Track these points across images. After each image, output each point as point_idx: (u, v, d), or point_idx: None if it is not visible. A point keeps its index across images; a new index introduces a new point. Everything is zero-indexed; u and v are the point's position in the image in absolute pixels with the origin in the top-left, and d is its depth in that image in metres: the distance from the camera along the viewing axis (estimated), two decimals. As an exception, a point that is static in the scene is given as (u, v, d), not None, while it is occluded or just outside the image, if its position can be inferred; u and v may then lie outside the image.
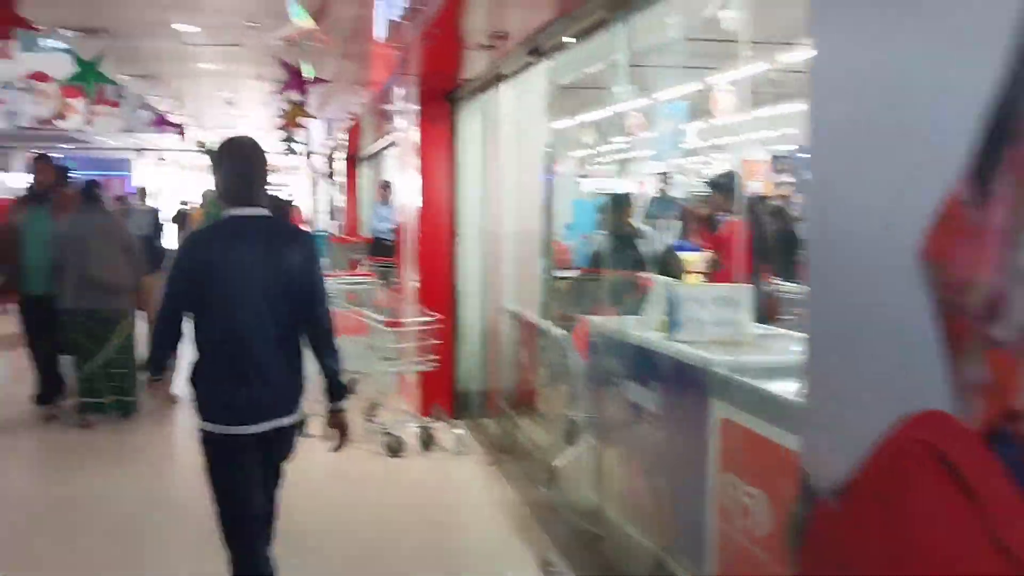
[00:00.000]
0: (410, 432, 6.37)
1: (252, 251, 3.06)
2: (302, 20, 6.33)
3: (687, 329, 3.82)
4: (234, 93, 13.14)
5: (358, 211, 15.80)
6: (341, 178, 16.38)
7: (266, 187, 3.26)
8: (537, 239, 6.56)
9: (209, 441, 3.06)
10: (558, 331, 5.47)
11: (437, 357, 6.50)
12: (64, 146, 24.16)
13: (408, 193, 7.47)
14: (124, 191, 27.84)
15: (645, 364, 4.01)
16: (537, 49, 4.75)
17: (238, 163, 3.18)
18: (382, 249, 11.89)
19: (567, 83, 6.01)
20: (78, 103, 13.87)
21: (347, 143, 14.92)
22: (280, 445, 3.14)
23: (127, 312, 6.84)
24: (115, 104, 16.65)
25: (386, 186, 12.08)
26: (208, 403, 3.06)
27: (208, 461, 3.08)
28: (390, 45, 6.07)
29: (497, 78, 5.89)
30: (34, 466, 6.37)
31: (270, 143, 22.05)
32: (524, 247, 6.49)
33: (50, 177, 6.94)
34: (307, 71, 6.97)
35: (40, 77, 13.68)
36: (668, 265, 5.76)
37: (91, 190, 6.96)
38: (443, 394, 7.01)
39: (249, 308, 3.02)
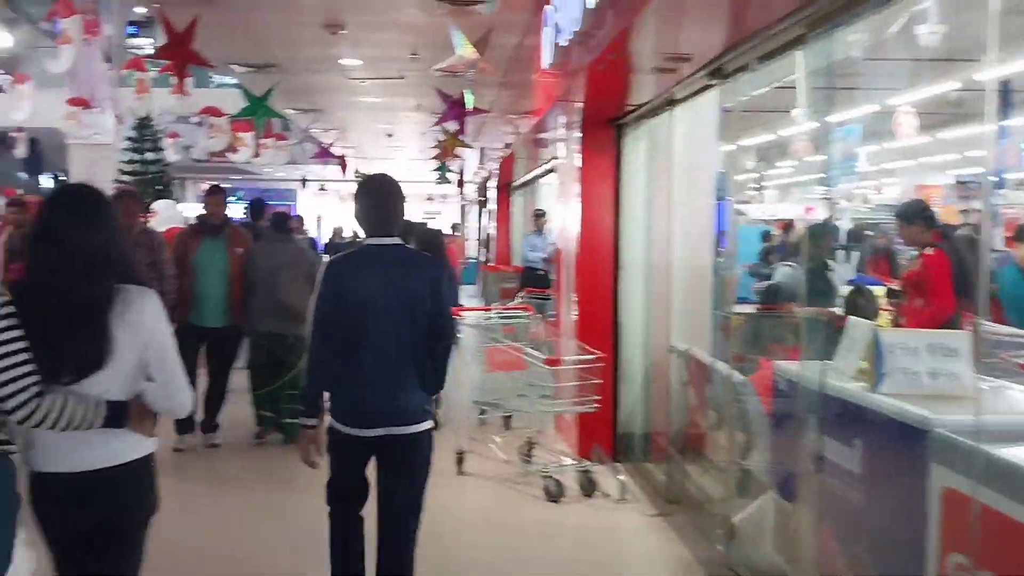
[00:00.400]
0: (569, 475, 6.08)
1: (383, 277, 3.39)
2: (465, 50, 6.23)
3: (896, 380, 3.35)
4: (393, 125, 13.39)
5: (510, 240, 15.76)
6: (493, 206, 16.42)
7: (400, 220, 3.53)
8: (706, 271, 6.18)
9: (333, 435, 3.47)
10: (733, 373, 5.05)
11: (598, 397, 6.18)
12: (234, 177, 25.49)
13: (567, 222, 7.23)
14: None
15: (844, 417, 3.57)
16: (719, 71, 4.41)
17: (375, 198, 3.47)
18: (534, 279, 11.72)
19: (735, 105, 5.64)
20: (247, 136, 14.49)
21: (500, 172, 14.94)
22: (402, 450, 3.41)
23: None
24: (282, 137, 17.37)
25: (540, 215, 11.93)
26: (336, 405, 3.47)
27: (329, 450, 3.51)
28: (555, 72, 5.87)
29: (669, 102, 5.57)
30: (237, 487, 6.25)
31: (424, 172, 22.58)
32: (692, 280, 6.11)
33: (223, 208, 6.88)
34: (469, 100, 6.89)
35: (213, 112, 14.39)
36: (858, 303, 5.26)
37: (281, 220, 7.25)
38: (604, 435, 6.67)
39: (376, 328, 3.35)
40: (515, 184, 15.23)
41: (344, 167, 16.27)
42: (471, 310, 6.89)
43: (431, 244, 8.18)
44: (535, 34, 7.15)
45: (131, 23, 25.10)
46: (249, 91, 8.64)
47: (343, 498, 3.56)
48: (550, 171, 11.67)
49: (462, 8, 6.63)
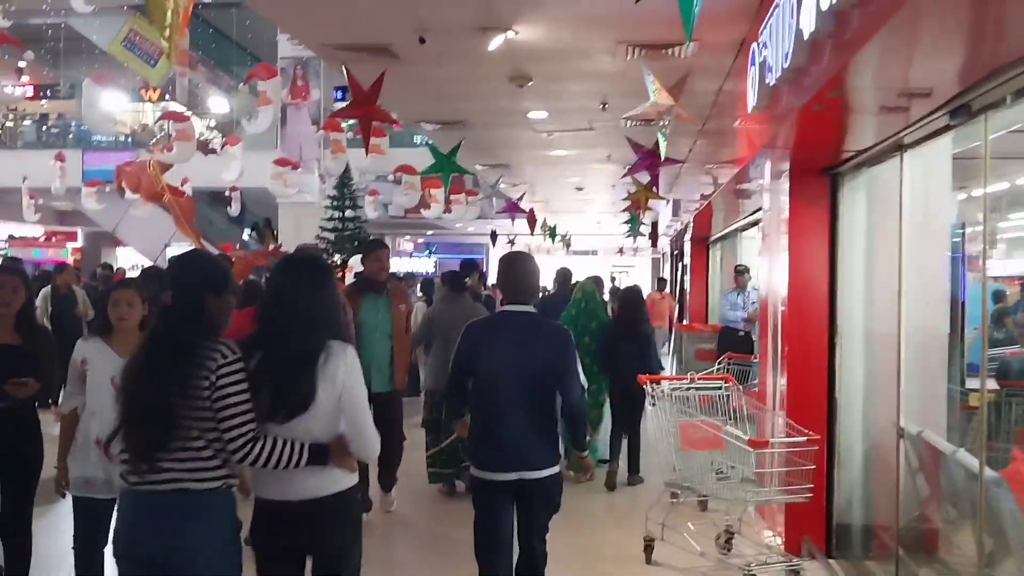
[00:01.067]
0: (774, 571, 5.30)
1: (513, 340, 3.95)
2: (660, 97, 5.72)
3: None
4: (583, 177, 13.03)
5: (707, 297, 14.94)
6: (688, 260, 15.68)
7: (535, 291, 4.25)
8: (940, 339, 5.28)
9: (474, 481, 4.06)
10: (981, 466, 4.17)
11: (810, 484, 5.36)
12: (428, 232, 26.16)
13: (773, 280, 6.50)
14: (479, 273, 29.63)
15: None
16: (964, 108, 3.66)
17: (513, 272, 4.12)
18: (735, 341, 10.91)
19: (969, 149, 4.79)
20: (438, 192, 14.63)
21: (696, 224, 14.22)
22: (533, 494, 3.93)
23: None
24: (472, 193, 17.49)
25: (742, 271, 11.13)
26: (475, 453, 4.06)
27: (473, 495, 4.09)
28: (762, 116, 5.24)
29: (897, 147, 4.81)
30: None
31: (615, 225, 22.11)
32: (923, 349, 5.23)
33: (386, 264, 6.56)
34: (663, 150, 6.35)
35: (407, 170, 14.67)
36: None
37: (456, 279, 7.49)
38: (816, 526, 5.83)
39: (504, 384, 3.89)
40: (713, 237, 14.44)
41: (532, 222, 16.08)
42: (664, 379, 6.26)
43: (630, 302, 7.89)
44: (737, 77, 6.55)
45: (338, 88, 26.57)
46: (436, 148, 8.52)
47: (488, 545, 3.98)
48: (753, 224, 10.88)
49: (658, 52, 6.15)
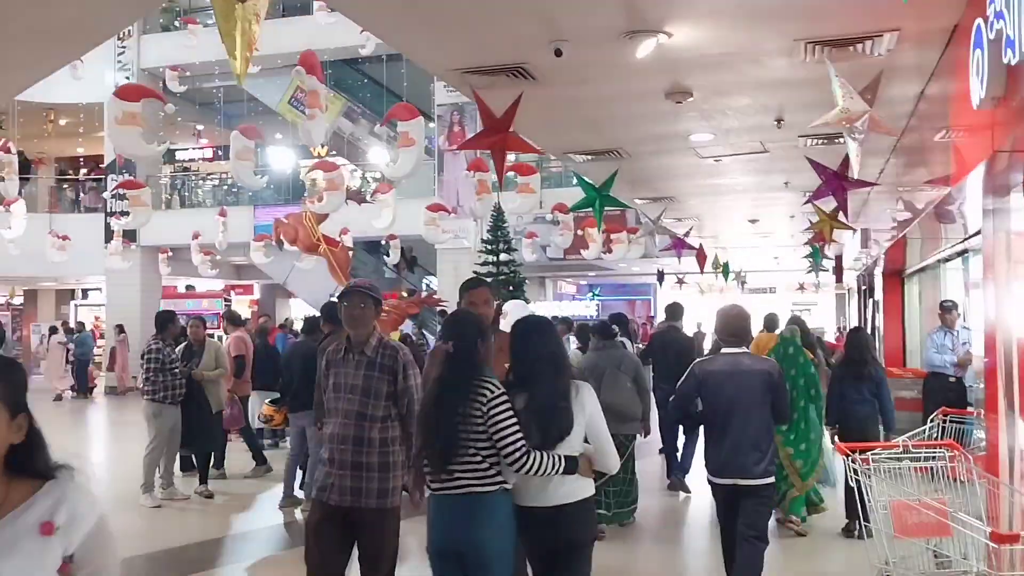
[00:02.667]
0: None
1: (734, 374, 4.91)
2: (851, 104, 4.63)
3: None
4: (757, 208, 11.81)
5: (904, 338, 13.24)
6: (879, 296, 14.02)
7: (748, 336, 5.24)
8: None
9: (711, 486, 5.07)
10: None
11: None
12: (589, 274, 25.27)
13: (1002, 316, 5.20)
14: (646, 316, 28.38)
15: None
16: None
17: (728, 321, 5.09)
18: (943, 389, 9.36)
19: None
20: (595, 231, 13.77)
21: (887, 256, 12.61)
22: (751, 499, 4.88)
23: (633, 437, 7.45)
24: (634, 230, 16.49)
25: (948, 308, 9.57)
26: (708, 461, 5.03)
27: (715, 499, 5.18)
28: (992, 113, 4.06)
29: None
30: None
31: (794, 260, 20.46)
32: None
33: (489, 305, 5.38)
34: (855, 166, 5.21)
35: (561, 208, 13.93)
36: None
37: (605, 328, 7.61)
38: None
39: (725, 410, 4.90)
40: (909, 271, 12.79)
41: (702, 260, 14.88)
42: (869, 447, 5.06)
43: (857, 344, 7.42)
44: (946, 76, 5.35)
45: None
46: (585, 181, 7.65)
47: (725, 539, 5.07)
48: (960, 253, 9.37)
49: (845, 49, 5.07)
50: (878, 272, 13.82)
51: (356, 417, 4.16)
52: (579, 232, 15.74)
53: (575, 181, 19.26)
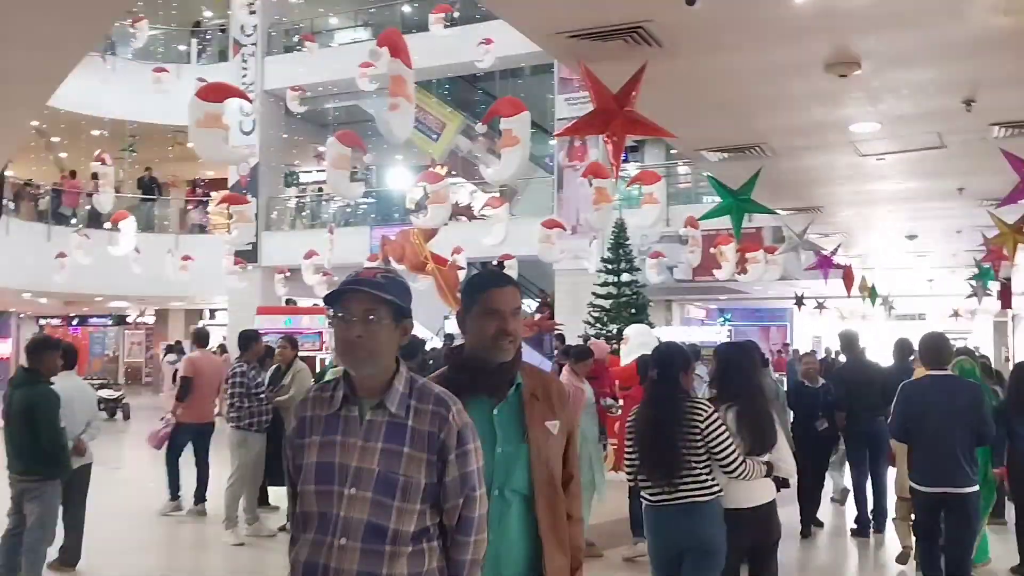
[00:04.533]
0: None
1: (939, 395, 5.26)
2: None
3: None
4: (918, 221, 10.23)
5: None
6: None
7: (950, 357, 5.71)
8: None
9: (913, 493, 5.42)
10: None
11: None
12: (721, 297, 23.61)
13: None
14: (782, 343, 26.36)
15: None
16: None
17: (932, 347, 5.45)
18: None
19: None
20: (728, 249, 12.41)
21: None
22: (954, 508, 5.18)
23: None
24: (772, 249, 14.97)
25: None
26: (913, 470, 5.37)
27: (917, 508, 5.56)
28: None
29: None
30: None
31: (951, 284, 18.37)
32: None
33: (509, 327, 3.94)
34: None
35: (691, 223, 12.66)
36: None
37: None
38: None
39: (933, 427, 5.21)
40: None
41: (849, 281, 13.22)
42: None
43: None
44: None
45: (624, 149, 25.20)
46: (719, 184, 6.40)
47: (927, 534, 5.45)
48: None
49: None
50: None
51: (365, 533, 2.15)
52: (711, 250, 14.41)
53: (705, 199, 17.94)
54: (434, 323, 22.96)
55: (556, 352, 14.65)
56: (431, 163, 26.40)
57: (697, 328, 22.59)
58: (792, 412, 8.19)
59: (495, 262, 18.86)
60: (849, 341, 8.66)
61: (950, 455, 5.14)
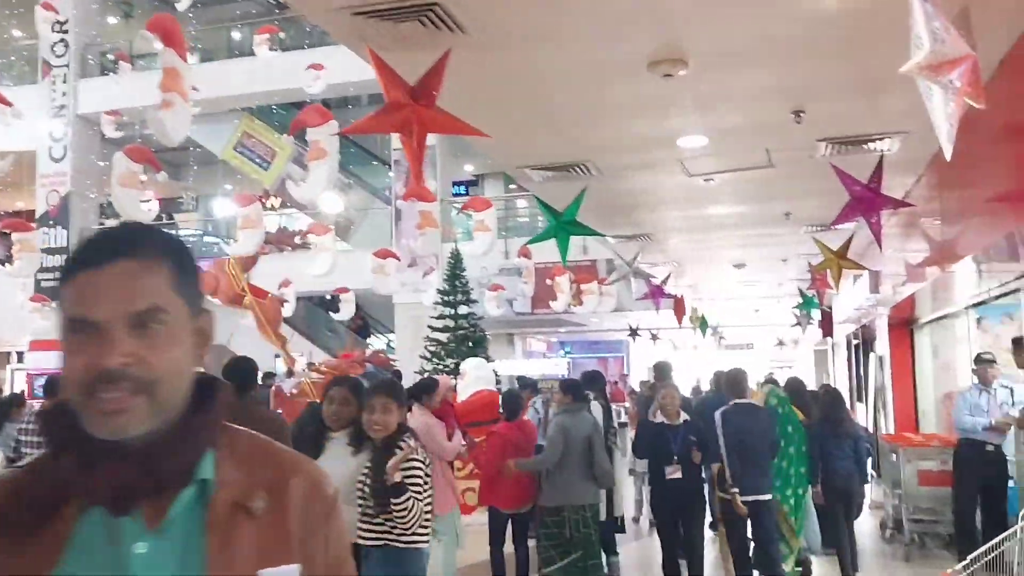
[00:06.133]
0: None
1: (748, 420, 6.42)
2: (948, 43, 2.98)
3: None
4: (746, 249, 10.17)
5: (914, 398, 11.58)
6: (884, 351, 12.36)
7: (745, 389, 6.75)
8: None
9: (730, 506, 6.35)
10: None
11: None
12: (560, 330, 23.51)
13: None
14: (619, 374, 26.59)
15: None
16: None
17: (734, 381, 6.70)
18: (979, 462, 7.71)
19: None
20: (563, 280, 12.09)
21: (898, 304, 10.95)
22: (763, 513, 6.41)
23: None
24: (601, 281, 14.81)
25: (987, 361, 7.90)
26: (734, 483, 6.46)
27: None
28: None
29: None
30: None
31: (775, 314, 18.81)
32: None
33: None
34: (947, 143, 3.50)
35: (524, 253, 12.28)
36: None
37: (574, 387, 6.89)
38: None
39: (750, 448, 6.36)
40: (922, 320, 11.18)
41: (680, 311, 13.12)
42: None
43: (831, 401, 7.89)
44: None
45: (458, 183, 24.76)
46: (545, 204, 5.92)
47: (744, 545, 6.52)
48: (1004, 295, 7.75)
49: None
50: (881, 323, 12.20)
51: None
52: (547, 282, 14.09)
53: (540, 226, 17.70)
54: (266, 363, 21.63)
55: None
56: (263, 194, 25.19)
57: (538, 360, 22.36)
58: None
59: (328, 296, 17.89)
60: (661, 370, 8.64)
61: (762, 468, 6.31)
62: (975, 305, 8.54)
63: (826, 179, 6.44)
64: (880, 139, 5.60)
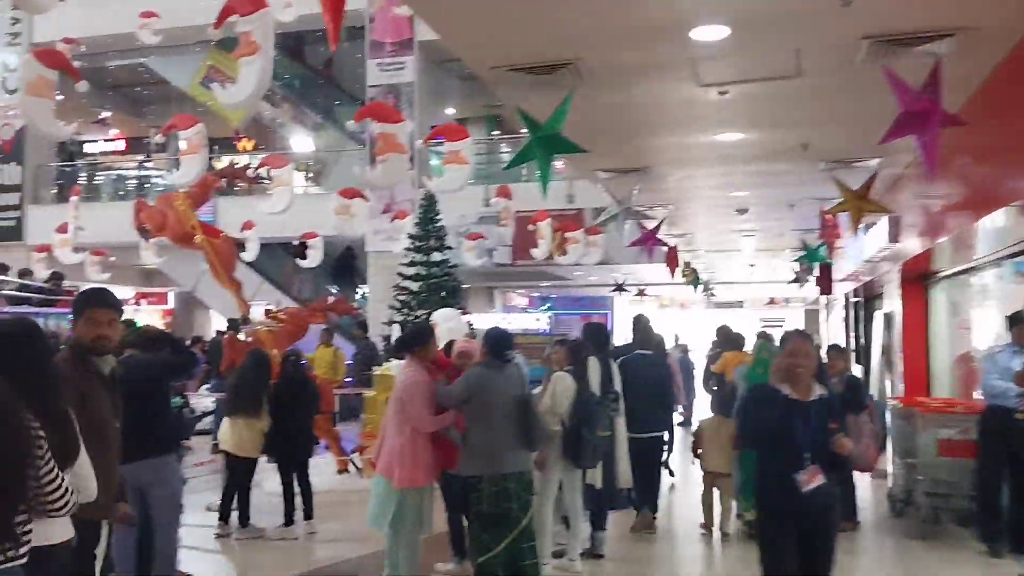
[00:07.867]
0: None
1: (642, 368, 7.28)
2: None
3: None
4: (753, 190, 9.12)
5: (927, 361, 10.64)
6: (894, 307, 11.41)
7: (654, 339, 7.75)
8: None
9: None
10: None
11: None
12: (543, 284, 22.51)
13: None
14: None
15: None
16: None
17: (639, 326, 7.60)
18: (1007, 430, 6.80)
19: None
20: (544, 225, 11.06)
21: (909, 256, 9.95)
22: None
23: None
24: (595, 231, 13.82)
25: (1020, 320, 6.93)
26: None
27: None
28: None
29: None
30: None
31: (771, 270, 17.84)
32: None
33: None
34: None
35: (503, 192, 11.19)
36: None
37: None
38: None
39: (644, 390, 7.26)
40: (939, 274, 10.19)
41: (673, 263, 12.09)
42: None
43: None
44: None
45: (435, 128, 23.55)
46: (527, 116, 4.83)
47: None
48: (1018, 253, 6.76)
49: None
50: (891, 278, 11.23)
51: None
52: (529, 227, 13.04)
53: (523, 175, 16.63)
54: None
55: (385, 345, 12.85)
56: (235, 134, 23.96)
57: (518, 315, 21.42)
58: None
59: (295, 241, 16.75)
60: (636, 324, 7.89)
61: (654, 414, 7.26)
62: (1009, 257, 7.54)
63: (859, 98, 5.40)
64: (935, 38, 4.55)
